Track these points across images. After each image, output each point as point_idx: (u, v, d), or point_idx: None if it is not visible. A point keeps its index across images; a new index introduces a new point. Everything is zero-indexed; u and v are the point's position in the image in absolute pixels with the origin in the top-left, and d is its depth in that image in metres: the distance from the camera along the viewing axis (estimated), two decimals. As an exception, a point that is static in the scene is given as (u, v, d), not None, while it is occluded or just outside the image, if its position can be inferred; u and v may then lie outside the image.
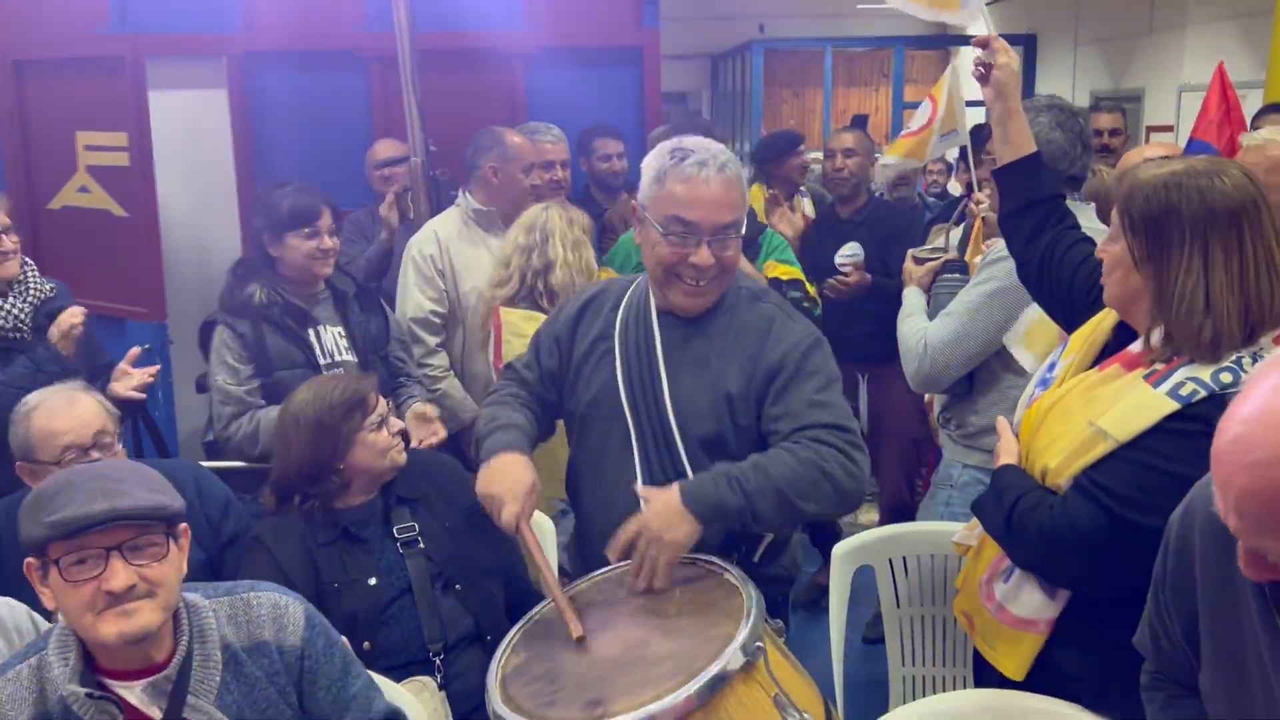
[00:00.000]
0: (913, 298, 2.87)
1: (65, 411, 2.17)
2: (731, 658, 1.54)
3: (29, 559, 1.52)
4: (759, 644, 1.58)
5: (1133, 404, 1.63)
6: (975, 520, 1.96)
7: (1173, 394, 1.60)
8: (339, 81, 4.31)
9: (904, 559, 2.37)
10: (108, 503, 1.48)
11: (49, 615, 1.91)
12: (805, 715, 1.56)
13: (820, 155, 4.77)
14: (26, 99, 4.12)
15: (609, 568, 1.93)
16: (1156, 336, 1.66)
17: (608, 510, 2.04)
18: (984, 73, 2.18)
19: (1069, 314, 2.06)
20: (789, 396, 1.97)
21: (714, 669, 1.52)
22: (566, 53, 4.35)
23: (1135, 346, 1.73)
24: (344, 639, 1.83)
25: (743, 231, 2.02)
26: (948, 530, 2.25)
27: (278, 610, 1.71)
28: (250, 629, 1.68)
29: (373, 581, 2.19)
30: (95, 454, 2.15)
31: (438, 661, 2.19)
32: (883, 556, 2.38)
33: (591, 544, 2.07)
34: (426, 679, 2.14)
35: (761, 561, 2.07)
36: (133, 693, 1.57)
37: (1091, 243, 2.05)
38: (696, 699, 1.50)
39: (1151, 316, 1.67)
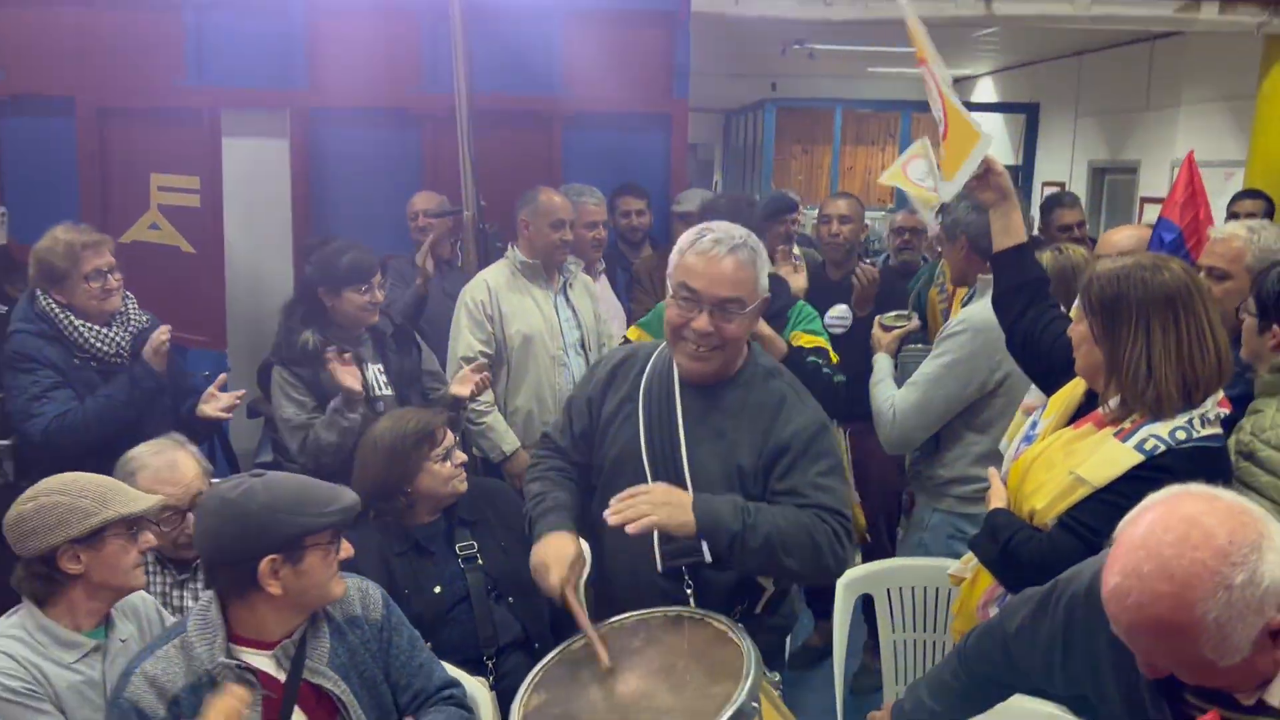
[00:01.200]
0: (882, 363, 3.19)
1: (168, 477, 2.39)
2: (730, 716, 1.65)
3: (274, 555, 1.84)
4: (755, 703, 1.70)
5: (1106, 456, 1.98)
6: (969, 555, 2.29)
7: (1138, 448, 1.95)
8: (392, 137, 4.67)
9: (900, 589, 2.70)
10: (349, 501, 1.94)
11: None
12: None
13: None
14: (107, 142, 4.47)
15: (625, 615, 2.02)
16: (1113, 401, 2.01)
17: (622, 561, 2.18)
18: (982, 175, 2.52)
19: (1048, 379, 2.40)
20: (795, 475, 2.11)
21: None
22: (602, 117, 4.73)
23: (1101, 411, 2.07)
24: None
25: (746, 309, 2.13)
26: (938, 565, 2.59)
27: (363, 592, 2.06)
28: (344, 606, 2.01)
29: (437, 590, 2.52)
30: (191, 515, 2.32)
31: (490, 664, 2.51)
32: (881, 586, 2.71)
33: (610, 588, 2.21)
34: (479, 680, 2.45)
35: (764, 612, 2.21)
36: (263, 661, 1.90)
37: (1067, 319, 2.40)
38: None
39: (1107, 383, 2.02)
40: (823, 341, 3.22)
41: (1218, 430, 1.98)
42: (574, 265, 3.77)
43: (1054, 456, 2.08)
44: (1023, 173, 10.38)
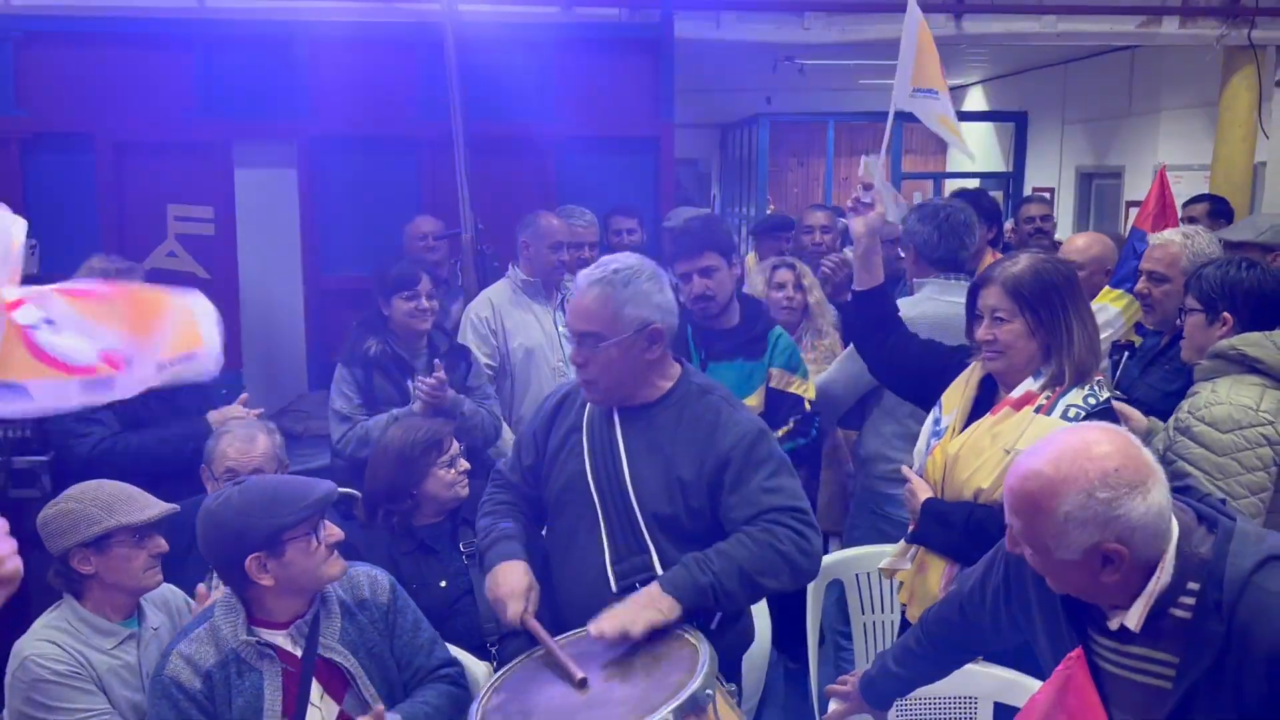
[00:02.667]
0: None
1: (242, 446, 2.81)
2: (683, 700, 1.76)
3: (257, 554, 2.06)
4: (709, 692, 1.79)
5: (1038, 429, 2.22)
6: (900, 547, 2.50)
7: (1064, 416, 2.24)
8: (392, 164, 4.92)
9: (868, 574, 2.92)
10: (319, 494, 2.14)
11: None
12: None
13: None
14: (124, 175, 4.72)
15: (582, 629, 2.09)
16: (1027, 385, 2.28)
17: (578, 584, 2.26)
18: (857, 208, 2.78)
19: (919, 392, 2.69)
20: (742, 487, 2.17)
21: (665, 710, 1.74)
22: (593, 142, 4.98)
23: (1015, 394, 2.32)
24: None
25: (605, 342, 2.16)
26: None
27: (371, 578, 2.31)
28: (354, 591, 2.26)
29: (443, 584, 2.75)
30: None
31: (493, 650, 2.73)
32: (849, 572, 2.94)
33: (559, 613, 2.28)
34: (486, 664, 2.67)
35: (718, 629, 2.22)
36: (279, 638, 2.15)
37: (917, 339, 2.79)
38: None
39: (1054, 364, 2.28)
40: (796, 384, 3.30)
41: (1098, 401, 2.28)
42: (569, 283, 3.99)
43: (980, 443, 2.31)
44: (1013, 179, 10.59)
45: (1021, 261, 2.34)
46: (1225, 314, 2.61)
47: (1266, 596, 1.51)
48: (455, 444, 2.91)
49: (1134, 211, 8.60)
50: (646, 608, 2.03)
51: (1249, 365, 2.48)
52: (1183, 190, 6.19)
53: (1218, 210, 4.57)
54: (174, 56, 4.69)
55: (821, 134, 11.16)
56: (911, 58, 3.12)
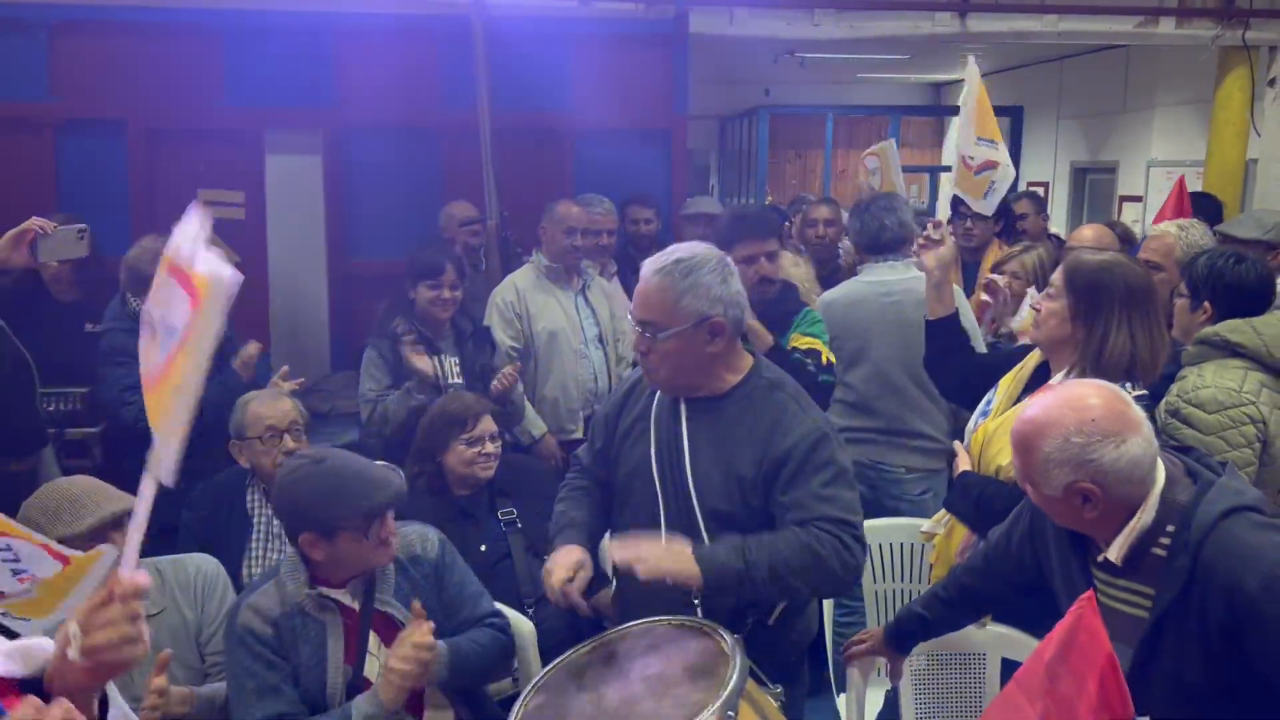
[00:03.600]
0: None
1: (271, 403, 2.99)
2: None
3: (310, 533, 2.24)
4: (731, 714, 1.72)
5: None
6: (941, 513, 2.71)
7: None
8: (415, 152, 5.07)
9: (880, 545, 3.11)
10: (387, 495, 2.28)
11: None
12: None
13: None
14: (156, 161, 4.87)
15: (635, 622, 2.09)
16: (1066, 373, 2.39)
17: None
18: (928, 244, 2.97)
19: (979, 396, 2.82)
20: (797, 489, 2.12)
21: None
22: (609, 132, 5.14)
23: (1055, 380, 2.46)
24: None
25: (664, 334, 2.15)
26: (913, 523, 3.00)
27: (422, 536, 2.48)
28: (407, 548, 2.43)
29: (483, 548, 2.92)
30: (288, 438, 2.93)
31: (530, 611, 2.90)
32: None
33: (626, 596, 2.37)
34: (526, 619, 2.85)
35: (777, 625, 2.24)
36: (339, 594, 2.33)
37: (975, 352, 3.00)
38: None
39: (1079, 356, 2.38)
40: (818, 344, 3.28)
41: (1143, 392, 2.36)
42: (591, 268, 4.18)
43: (1011, 423, 2.48)
44: (1008, 174, 10.77)
45: (1099, 253, 2.46)
46: (1206, 303, 2.80)
47: (1229, 538, 1.72)
48: (485, 424, 3.04)
49: (1128, 206, 8.87)
50: (667, 560, 2.04)
51: (1232, 350, 2.67)
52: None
53: (1198, 207, 4.76)
54: (205, 45, 4.83)
55: (820, 126, 11.30)
56: (973, 111, 3.38)
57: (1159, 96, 8.44)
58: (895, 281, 3.60)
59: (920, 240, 3.02)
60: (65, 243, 3.31)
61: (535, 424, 3.89)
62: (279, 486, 2.33)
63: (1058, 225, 8.90)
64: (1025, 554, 2.13)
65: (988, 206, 3.45)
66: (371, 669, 2.31)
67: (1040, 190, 9.52)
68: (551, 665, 2.04)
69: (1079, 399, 1.80)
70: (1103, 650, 1.57)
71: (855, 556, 2.11)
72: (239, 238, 4.80)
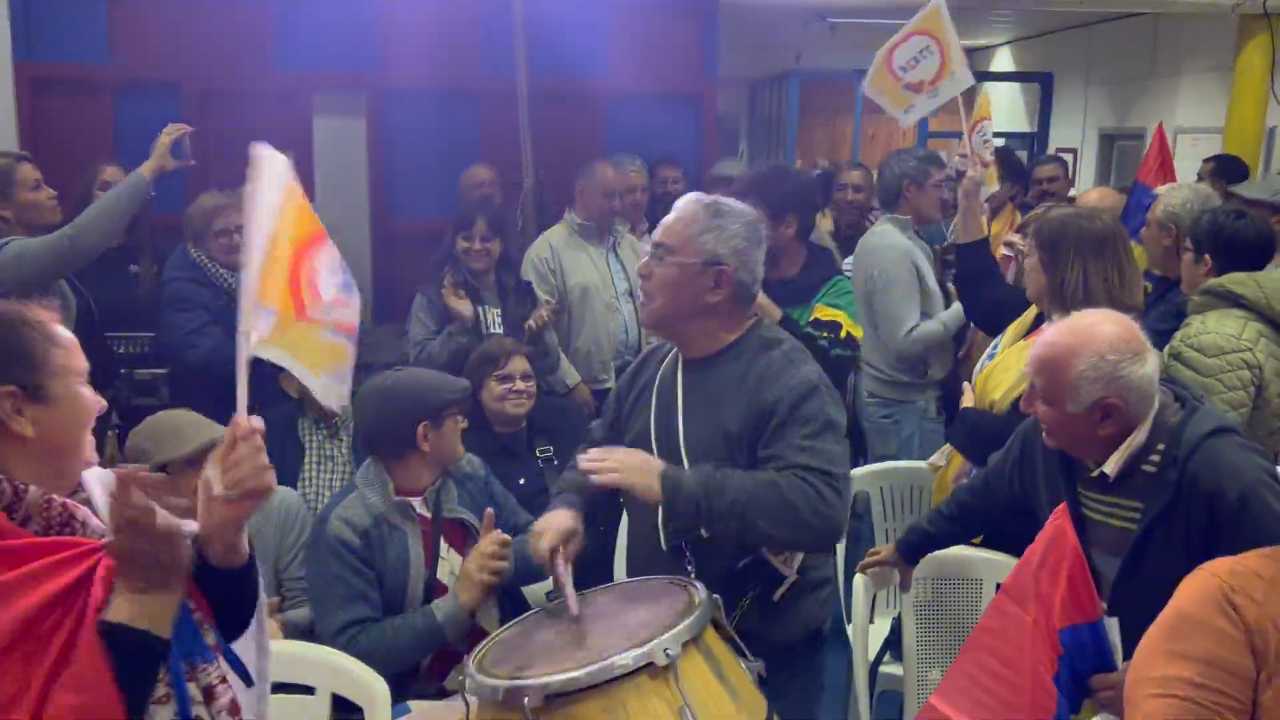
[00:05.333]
0: None
1: None
2: (633, 658, 1.68)
3: (425, 421, 2.56)
4: (670, 653, 1.69)
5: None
6: (946, 446, 2.95)
7: None
8: (456, 114, 5.28)
9: (889, 487, 3.34)
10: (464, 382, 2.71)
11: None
12: None
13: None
14: (209, 122, 5.10)
15: (619, 582, 2.20)
16: (1056, 318, 2.61)
17: (635, 538, 2.40)
18: (958, 176, 3.18)
19: (1000, 328, 3.04)
20: (779, 440, 2.08)
21: (608, 662, 1.69)
22: (642, 96, 5.32)
23: (1045, 327, 2.68)
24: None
25: (672, 257, 2.15)
26: (918, 465, 3.29)
27: (468, 458, 2.78)
28: (459, 467, 2.74)
29: (521, 481, 3.17)
30: None
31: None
32: (875, 485, 3.36)
33: (630, 560, 2.45)
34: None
35: (781, 603, 2.21)
36: (416, 503, 2.62)
37: (1006, 284, 3.20)
38: (587, 680, 1.67)
39: (1050, 303, 2.63)
40: (841, 315, 3.15)
41: None
42: (621, 226, 4.40)
43: (1009, 362, 2.73)
44: (1037, 140, 10.84)
45: (1064, 209, 2.74)
46: (1206, 256, 3.00)
47: (1212, 454, 1.95)
48: (518, 365, 3.27)
49: (1155, 173, 8.95)
50: (632, 472, 2.04)
51: (1235, 300, 2.87)
52: (1201, 151, 6.51)
53: (1221, 169, 4.90)
54: (256, 10, 5.04)
55: (850, 92, 11.36)
56: (946, 40, 3.60)
57: (1185, 63, 8.49)
58: (880, 232, 3.94)
59: (952, 171, 3.24)
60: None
61: (570, 374, 4.13)
62: (377, 400, 2.61)
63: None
64: (1015, 479, 2.36)
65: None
66: (443, 571, 2.61)
67: (1069, 157, 9.61)
68: (532, 610, 2.12)
69: (1100, 324, 2.02)
70: (1073, 552, 1.80)
71: (830, 506, 2.03)
72: (288, 196, 5.06)
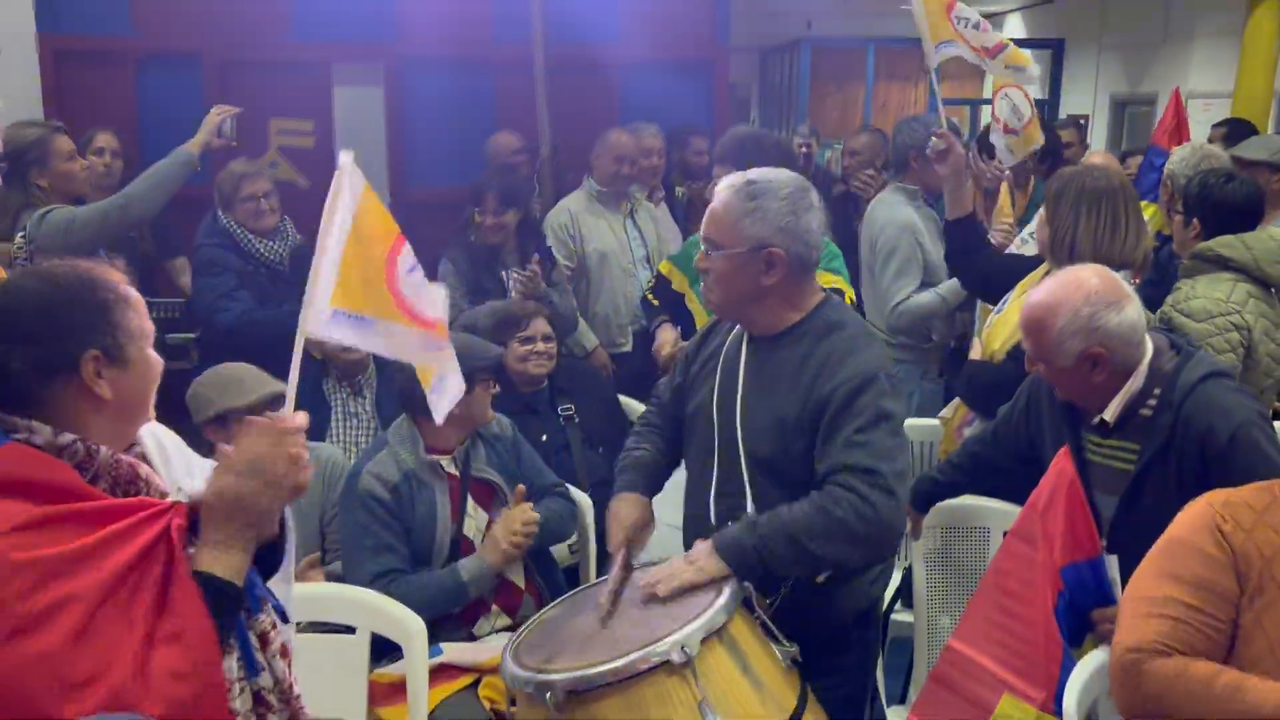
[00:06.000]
0: None
1: None
2: (650, 655, 1.74)
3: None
4: (687, 650, 1.74)
5: None
6: (955, 401, 3.07)
7: None
8: (471, 83, 5.35)
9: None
10: (496, 350, 2.87)
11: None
12: None
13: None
14: (229, 92, 5.17)
15: (664, 563, 2.12)
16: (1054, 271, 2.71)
17: (690, 510, 2.36)
18: (943, 150, 3.26)
19: (998, 295, 3.13)
20: (833, 437, 2.05)
21: (627, 659, 1.75)
22: (654, 64, 5.38)
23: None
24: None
25: (719, 252, 2.13)
26: (923, 424, 3.40)
27: (497, 418, 2.88)
28: (488, 428, 2.84)
29: (544, 438, 3.28)
30: None
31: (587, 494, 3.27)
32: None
33: (686, 531, 2.40)
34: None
35: (827, 583, 2.17)
36: (445, 462, 2.73)
37: (996, 254, 3.34)
38: (607, 678, 1.74)
39: (1050, 256, 2.73)
40: (840, 281, 3.23)
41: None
42: (638, 193, 4.48)
43: (1009, 315, 2.84)
44: (1049, 106, 10.83)
45: (1067, 168, 2.84)
46: (1195, 219, 3.08)
47: (1205, 397, 2.05)
48: (539, 327, 3.37)
49: (1163, 138, 8.96)
50: (688, 569, 2.02)
51: (1224, 263, 2.95)
52: (1212, 116, 6.53)
53: (1232, 133, 4.95)
54: (276, -18, 5.13)
55: (861, 59, 11.37)
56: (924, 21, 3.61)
57: (1197, 27, 8.49)
58: (886, 201, 4.05)
59: (930, 153, 3.32)
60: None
61: (588, 337, 4.23)
62: (400, 365, 2.69)
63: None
64: (1022, 427, 2.47)
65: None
66: (469, 527, 2.72)
67: (1077, 122, 9.61)
68: (572, 591, 2.21)
69: (1077, 278, 2.13)
70: (1075, 492, 1.90)
71: (875, 509, 1.98)
72: (310, 164, 5.16)
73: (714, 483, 2.20)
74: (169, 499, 1.51)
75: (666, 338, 3.58)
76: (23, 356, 1.45)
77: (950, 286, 3.87)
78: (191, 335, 3.89)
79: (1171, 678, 1.69)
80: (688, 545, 2.19)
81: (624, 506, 2.27)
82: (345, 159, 1.62)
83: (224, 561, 1.44)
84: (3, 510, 1.35)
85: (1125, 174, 4.21)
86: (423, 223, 5.22)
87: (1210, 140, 5.05)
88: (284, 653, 1.56)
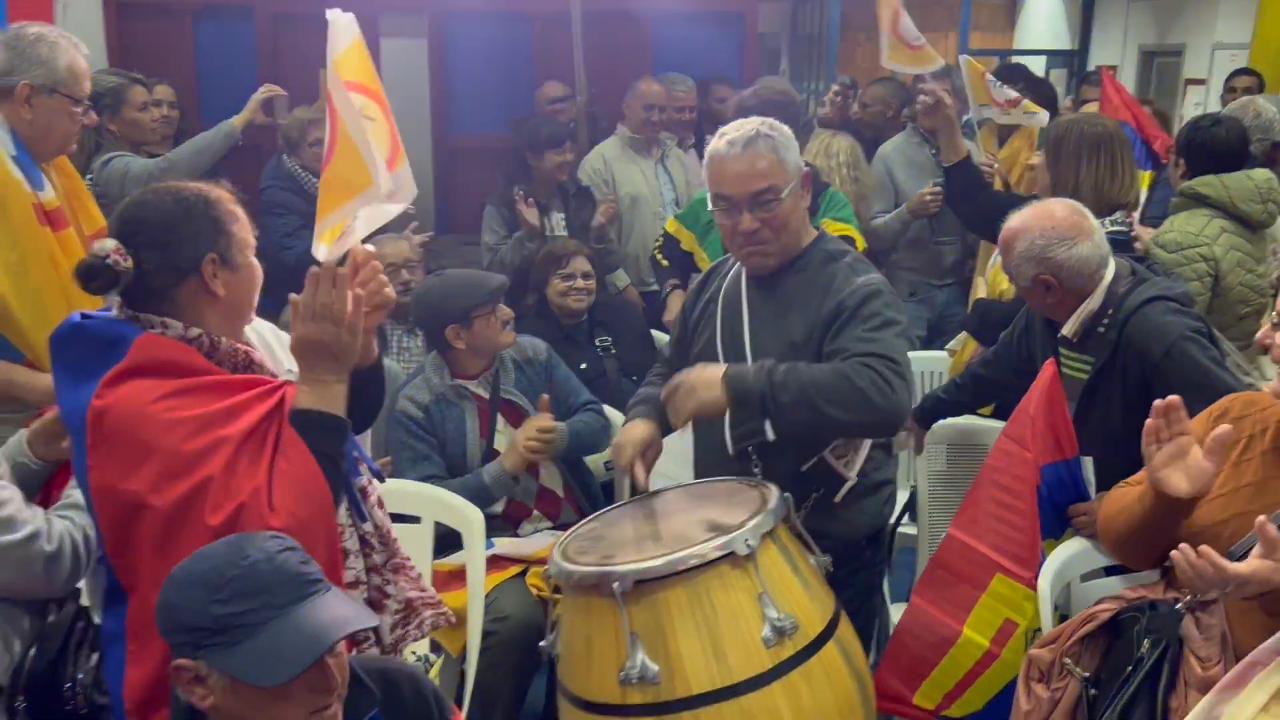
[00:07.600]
0: None
1: (391, 245, 3.53)
2: (715, 546, 1.81)
3: (454, 324, 2.92)
4: (750, 543, 1.82)
5: None
6: (962, 334, 3.33)
7: None
8: (510, 35, 5.59)
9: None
10: (495, 283, 3.03)
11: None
12: (786, 616, 1.81)
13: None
14: (281, 44, 5.46)
15: (690, 482, 2.32)
16: None
17: (703, 446, 2.46)
18: (933, 105, 3.48)
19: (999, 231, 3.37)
20: (842, 336, 2.14)
21: (693, 550, 1.82)
22: (685, 15, 5.60)
23: None
24: None
25: (783, 195, 2.19)
26: (930, 355, 3.66)
27: (532, 344, 3.17)
28: (522, 352, 3.14)
29: (583, 366, 3.57)
30: (404, 272, 3.54)
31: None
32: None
33: (699, 466, 2.53)
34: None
35: (843, 503, 2.28)
36: (473, 385, 3.03)
37: (998, 193, 3.57)
38: (672, 567, 1.80)
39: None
40: (850, 229, 3.33)
41: (1123, 228, 2.91)
42: (669, 140, 4.73)
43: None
44: (1077, 58, 10.88)
45: (1073, 115, 3.10)
46: (1181, 160, 3.31)
47: (1145, 318, 2.32)
48: (579, 265, 3.64)
49: (1192, 89, 9.01)
50: (695, 392, 2.11)
51: (1202, 200, 3.18)
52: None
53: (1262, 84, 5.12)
54: (325, -62, 5.35)
55: (891, 10, 11.39)
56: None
57: (1227, -24, 8.51)
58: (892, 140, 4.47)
59: (919, 107, 3.55)
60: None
61: (620, 277, 4.50)
62: (419, 302, 3.03)
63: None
64: (1022, 345, 2.74)
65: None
66: (500, 443, 3.03)
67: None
68: (614, 505, 2.32)
69: (1045, 211, 2.41)
70: (1053, 396, 2.18)
71: (895, 390, 2.07)
72: (357, 114, 5.42)
73: (728, 415, 2.23)
74: (279, 378, 1.83)
75: (677, 305, 3.67)
76: (157, 258, 1.72)
77: (896, 214, 4.30)
78: (256, 270, 4.19)
79: (1113, 498, 2.03)
80: (700, 477, 2.38)
81: (632, 429, 2.37)
82: (331, 14, 1.94)
83: (319, 395, 1.71)
84: (150, 384, 1.67)
85: None
86: (464, 168, 5.54)
87: (1233, 89, 5.23)
88: (380, 504, 1.89)
